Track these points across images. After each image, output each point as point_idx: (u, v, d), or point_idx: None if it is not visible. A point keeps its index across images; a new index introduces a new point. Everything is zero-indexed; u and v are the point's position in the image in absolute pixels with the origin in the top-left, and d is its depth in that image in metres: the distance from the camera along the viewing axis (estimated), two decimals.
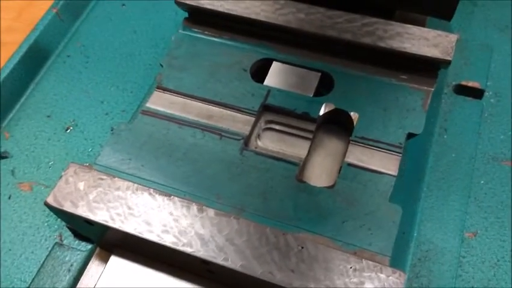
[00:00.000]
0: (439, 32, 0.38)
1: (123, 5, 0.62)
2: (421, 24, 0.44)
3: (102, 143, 0.50)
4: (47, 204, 0.33)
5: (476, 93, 0.50)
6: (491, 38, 0.55)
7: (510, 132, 0.48)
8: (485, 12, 0.57)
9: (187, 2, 0.42)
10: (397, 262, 0.40)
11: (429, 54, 0.37)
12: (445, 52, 0.37)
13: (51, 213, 0.38)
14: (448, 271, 0.40)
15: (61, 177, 0.34)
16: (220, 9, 0.41)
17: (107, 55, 0.57)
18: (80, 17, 0.61)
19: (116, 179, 0.33)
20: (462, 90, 0.50)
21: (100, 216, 0.32)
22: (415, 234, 0.42)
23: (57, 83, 0.56)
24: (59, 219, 0.43)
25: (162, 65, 0.42)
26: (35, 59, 0.56)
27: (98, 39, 0.59)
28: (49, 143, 0.51)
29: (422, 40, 0.38)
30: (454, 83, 0.50)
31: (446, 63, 0.37)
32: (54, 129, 0.52)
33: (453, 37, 0.38)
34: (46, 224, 0.45)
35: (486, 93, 0.50)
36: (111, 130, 0.51)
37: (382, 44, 0.38)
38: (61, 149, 0.51)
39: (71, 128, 0.52)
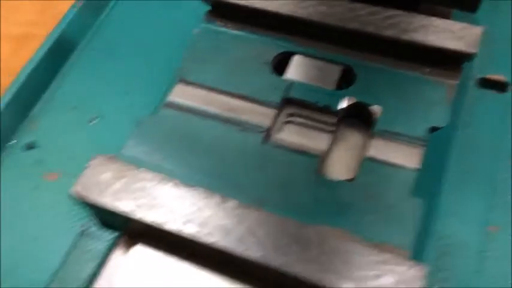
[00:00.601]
0: (464, 25, 0.38)
1: None
2: (446, 17, 0.44)
3: (126, 134, 0.51)
4: (73, 194, 0.33)
5: (501, 87, 0.49)
6: None
7: None
8: (510, 5, 0.55)
9: None
10: (418, 255, 0.40)
11: (453, 47, 0.37)
12: (470, 45, 0.37)
13: (77, 203, 0.39)
14: (469, 265, 0.40)
15: (87, 167, 0.34)
16: (243, 2, 0.41)
17: (131, 48, 0.58)
18: (104, 11, 0.62)
19: (141, 169, 0.34)
20: (486, 84, 0.49)
21: (124, 206, 0.33)
22: (437, 228, 0.42)
23: (83, 75, 0.57)
24: (84, 209, 0.44)
25: (184, 58, 0.42)
26: (60, 52, 0.58)
27: (122, 32, 0.60)
28: (75, 134, 0.52)
29: (446, 33, 0.37)
30: (478, 76, 0.49)
31: (471, 56, 0.37)
32: (79, 120, 0.53)
33: (478, 30, 0.37)
34: (72, 213, 0.46)
35: (511, 87, 0.49)
36: (136, 122, 0.52)
37: (405, 37, 0.38)
38: (86, 140, 0.52)
39: (97, 119, 0.53)
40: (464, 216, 0.42)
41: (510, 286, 0.39)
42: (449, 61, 0.38)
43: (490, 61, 0.51)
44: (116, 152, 0.49)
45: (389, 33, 0.38)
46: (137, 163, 0.36)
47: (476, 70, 0.50)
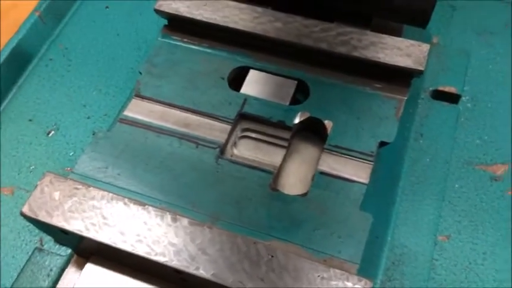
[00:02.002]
0: (412, 42, 0.39)
1: (107, 7, 0.62)
2: (398, 31, 0.45)
3: (84, 147, 0.50)
4: (22, 214, 0.33)
5: (453, 98, 0.51)
6: (469, 42, 0.55)
7: (486, 137, 0.49)
8: (464, 17, 0.57)
9: (166, 10, 0.42)
10: (370, 266, 0.41)
11: (402, 64, 0.38)
12: (418, 62, 0.38)
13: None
14: (420, 274, 0.41)
15: (36, 186, 0.34)
16: (199, 17, 0.42)
17: (90, 58, 0.58)
18: (63, 20, 0.61)
19: (91, 188, 0.34)
20: (439, 95, 0.51)
21: (74, 225, 0.32)
22: (389, 238, 0.43)
23: (40, 86, 0.56)
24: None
25: (140, 73, 0.42)
26: (17, 62, 0.57)
27: (80, 42, 0.59)
28: (31, 147, 0.51)
29: (395, 50, 0.39)
30: (431, 88, 0.51)
31: (418, 73, 0.38)
32: (36, 133, 0.52)
33: (425, 47, 0.38)
34: (27, 228, 0.45)
35: (463, 98, 0.51)
36: (93, 134, 0.52)
37: (356, 54, 0.39)
38: (42, 153, 0.51)
39: (53, 131, 0.53)
40: (416, 226, 0.43)
41: None
42: (398, 77, 0.39)
43: (442, 73, 0.52)
44: (72, 165, 0.49)
45: (341, 49, 0.39)
46: (89, 181, 0.36)
47: (429, 82, 0.52)
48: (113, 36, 0.60)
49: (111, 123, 0.49)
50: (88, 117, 0.53)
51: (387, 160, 0.45)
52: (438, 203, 0.45)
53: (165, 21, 0.46)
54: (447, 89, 0.51)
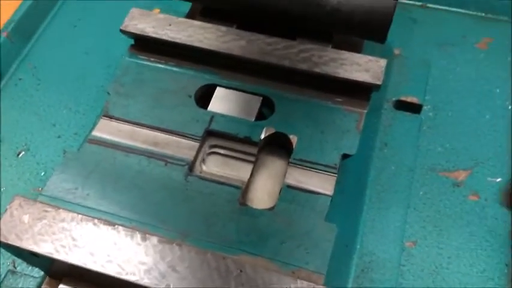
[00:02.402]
0: (370, 58, 0.41)
1: (75, 26, 0.63)
2: (359, 46, 0.47)
3: (55, 166, 0.51)
4: None
5: (415, 108, 0.52)
6: (429, 53, 0.58)
7: (447, 144, 0.51)
8: (424, 29, 0.60)
9: (132, 31, 0.43)
10: (340, 274, 0.42)
11: (361, 79, 0.40)
12: (375, 77, 0.39)
13: None
14: (389, 280, 0.43)
15: (6, 210, 0.34)
16: (165, 37, 0.42)
17: (59, 77, 0.58)
18: (31, 39, 0.61)
19: (61, 210, 0.34)
20: (401, 106, 0.52)
21: (44, 248, 0.33)
22: (358, 246, 0.44)
23: (9, 106, 0.56)
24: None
25: (108, 93, 0.43)
26: None
27: (49, 61, 0.59)
28: (1, 168, 0.51)
29: (354, 65, 0.40)
30: (393, 98, 0.53)
31: (376, 87, 0.40)
32: (5, 153, 0.52)
33: (383, 62, 0.40)
34: (0, 250, 0.45)
35: (424, 107, 0.53)
36: (64, 153, 0.52)
37: (317, 70, 0.40)
38: (13, 174, 0.51)
39: (23, 152, 0.52)
40: (383, 233, 0.45)
41: None
42: (358, 91, 0.41)
43: (404, 84, 0.54)
44: (43, 185, 0.49)
45: (303, 66, 0.41)
46: (58, 202, 0.36)
47: (392, 93, 0.54)
48: (82, 55, 0.60)
49: (82, 142, 0.49)
50: (58, 137, 0.54)
51: (354, 170, 0.46)
52: (404, 209, 0.46)
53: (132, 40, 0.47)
54: (409, 99, 0.53)
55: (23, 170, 0.51)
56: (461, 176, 0.49)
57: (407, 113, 0.52)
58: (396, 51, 0.57)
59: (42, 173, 0.51)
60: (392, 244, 0.45)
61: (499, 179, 0.48)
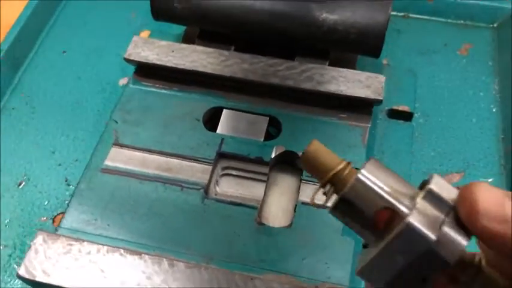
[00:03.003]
0: (370, 74, 0.43)
1: (64, 51, 0.62)
2: (353, 61, 0.49)
3: (58, 195, 0.51)
4: (19, 277, 0.33)
5: (407, 116, 0.55)
6: (415, 62, 0.60)
7: (439, 149, 0.54)
8: (408, 39, 0.62)
9: (136, 59, 0.43)
10: (357, 280, 0.44)
11: (363, 96, 0.42)
12: (376, 92, 0.41)
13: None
14: None
15: (30, 247, 0.34)
16: (169, 64, 0.43)
17: (54, 104, 0.57)
18: (21, 68, 0.61)
19: (85, 243, 0.35)
20: (394, 115, 0.55)
21: (74, 282, 0.33)
22: None
23: (5, 137, 0.55)
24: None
25: (116, 121, 0.43)
26: None
27: (42, 89, 0.59)
28: (3, 200, 0.51)
29: (356, 82, 0.42)
30: (386, 108, 0.55)
31: (378, 102, 0.42)
32: (6, 185, 0.52)
33: (382, 78, 0.42)
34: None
35: (415, 115, 0.55)
36: (65, 181, 0.52)
37: (321, 88, 0.42)
38: (16, 205, 0.50)
39: (24, 182, 0.52)
40: None
41: None
42: (360, 107, 0.42)
43: (395, 93, 0.57)
44: (48, 215, 0.49)
45: (306, 85, 0.42)
46: (80, 235, 0.37)
47: (384, 102, 0.56)
48: (74, 80, 0.60)
49: (84, 168, 0.49)
50: (59, 164, 0.53)
51: None
52: None
53: (126, 64, 0.47)
54: (401, 108, 0.55)
55: (25, 200, 0.51)
56: (455, 178, 0.51)
57: (400, 121, 0.54)
58: (384, 61, 0.59)
59: (46, 202, 0.51)
60: None
61: (490, 179, 0.51)
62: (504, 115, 0.55)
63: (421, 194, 0.23)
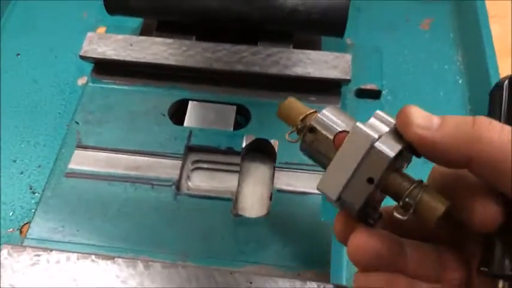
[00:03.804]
0: (336, 54, 0.42)
1: (18, 54, 0.59)
2: (318, 42, 0.48)
3: (23, 204, 0.48)
4: None
5: (375, 94, 0.55)
6: (378, 40, 0.60)
7: None
8: (369, 17, 0.62)
9: (93, 56, 0.41)
10: (334, 267, 0.43)
11: (331, 76, 0.41)
12: (344, 72, 0.41)
13: None
14: None
15: None
16: (128, 58, 0.41)
17: (11, 110, 0.55)
18: None
19: (54, 252, 0.33)
20: (362, 94, 0.54)
21: None
22: None
23: None
24: None
25: (77, 122, 0.41)
26: None
27: None
28: None
29: (322, 64, 0.41)
30: (354, 87, 0.55)
31: (346, 81, 0.41)
32: None
33: (348, 57, 0.41)
34: None
35: (383, 92, 0.55)
36: (30, 189, 0.50)
37: (288, 72, 0.41)
38: None
39: None
40: None
41: None
42: (329, 88, 0.42)
43: (361, 72, 0.56)
44: (14, 226, 0.46)
45: (273, 70, 0.41)
46: (48, 244, 0.35)
47: (352, 83, 0.56)
48: (31, 84, 0.57)
49: (48, 174, 0.47)
50: (21, 173, 0.51)
51: None
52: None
53: (83, 63, 0.45)
54: (368, 86, 0.55)
55: None
56: None
57: (369, 100, 0.54)
58: (348, 41, 0.59)
59: (11, 213, 0.48)
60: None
61: None
62: (469, 86, 0.56)
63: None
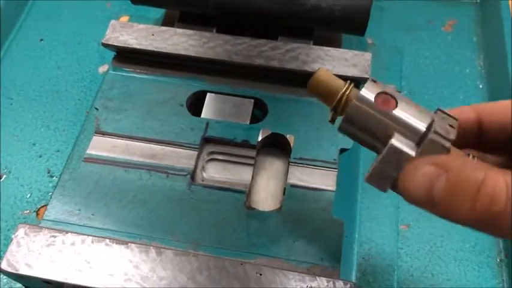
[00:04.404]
0: (356, 52, 0.42)
1: (41, 40, 0.61)
2: (338, 40, 0.48)
3: (40, 187, 0.49)
4: (1, 271, 0.32)
5: None
6: (400, 40, 0.60)
7: None
8: (392, 17, 0.62)
9: (115, 44, 0.42)
10: (345, 265, 0.43)
11: (350, 74, 0.41)
12: (363, 70, 0.41)
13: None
14: (389, 265, 0.44)
15: (12, 240, 0.33)
16: (150, 48, 0.42)
17: (32, 94, 0.56)
18: None
19: (69, 234, 0.34)
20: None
21: (58, 274, 0.32)
22: (357, 235, 0.45)
23: None
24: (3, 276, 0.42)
25: (97, 108, 0.42)
26: None
27: (19, 79, 0.57)
28: None
29: (342, 61, 0.41)
30: None
31: (365, 80, 0.41)
32: None
33: (368, 55, 0.41)
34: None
35: (401, 93, 0.55)
36: (48, 173, 0.51)
37: (306, 68, 0.41)
38: None
39: (5, 175, 0.51)
40: (378, 220, 0.46)
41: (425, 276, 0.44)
42: None
43: (381, 72, 0.56)
44: (31, 207, 0.47)
45: (292, 65, 0.41)
46: (63, 226, 0.36)
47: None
48: (53, 69, 0.58)
49: (66, 159, 0.48)
50: (40, 156, 0.52)
51: (345, 161, 0.47)
52: (395, 195, 0.48)
53: (105, 50, 0.45)
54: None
55: (7, 194, 0.50)
56: None
57: None
58: (369, 41, 0.59)
59: (28, 195, 0.50)
60: (388, 229, 0.46)
61: None
62: (490, 91, 0.55)
63: None
